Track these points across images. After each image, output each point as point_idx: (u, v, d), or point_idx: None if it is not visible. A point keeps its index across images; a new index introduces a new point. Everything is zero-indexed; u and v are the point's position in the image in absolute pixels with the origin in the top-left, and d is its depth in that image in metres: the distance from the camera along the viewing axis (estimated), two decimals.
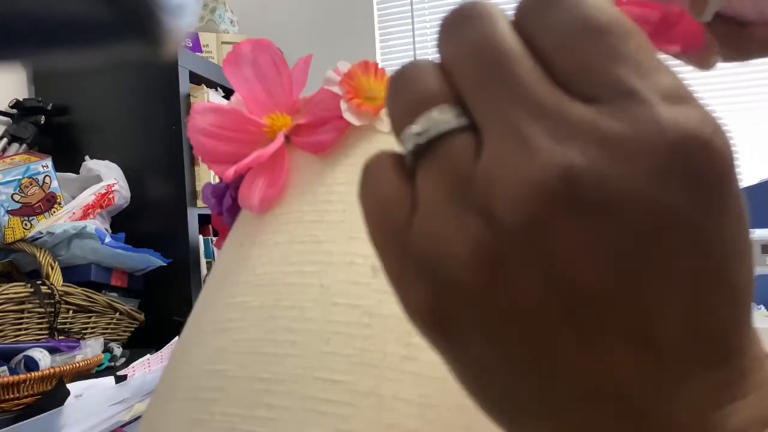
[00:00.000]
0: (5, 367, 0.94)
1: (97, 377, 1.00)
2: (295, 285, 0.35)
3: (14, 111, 1.41)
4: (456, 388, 0.30)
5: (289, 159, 0.40)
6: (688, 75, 0.19)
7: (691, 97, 0.15)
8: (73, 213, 1.24)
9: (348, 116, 0.38)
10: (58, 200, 1.24)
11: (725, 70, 1.86)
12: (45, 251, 1.17)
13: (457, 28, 0.17)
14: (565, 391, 0.15)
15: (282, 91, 0.42)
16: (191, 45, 1.64)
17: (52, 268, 1.15)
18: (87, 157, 1.39)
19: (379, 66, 0.38)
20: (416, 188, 0.17)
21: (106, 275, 1.28)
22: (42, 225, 1.20)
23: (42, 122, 1.40)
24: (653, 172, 0.14)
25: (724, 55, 0.35)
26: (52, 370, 0.93)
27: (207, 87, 1.50)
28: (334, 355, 0.32)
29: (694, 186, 0.14)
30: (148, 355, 1.12)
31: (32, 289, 1.09)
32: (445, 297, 0.16)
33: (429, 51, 2.10)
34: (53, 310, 1.11)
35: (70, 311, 1.15)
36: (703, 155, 0.14)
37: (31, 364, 0.96)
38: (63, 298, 1.12)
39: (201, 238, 1.47)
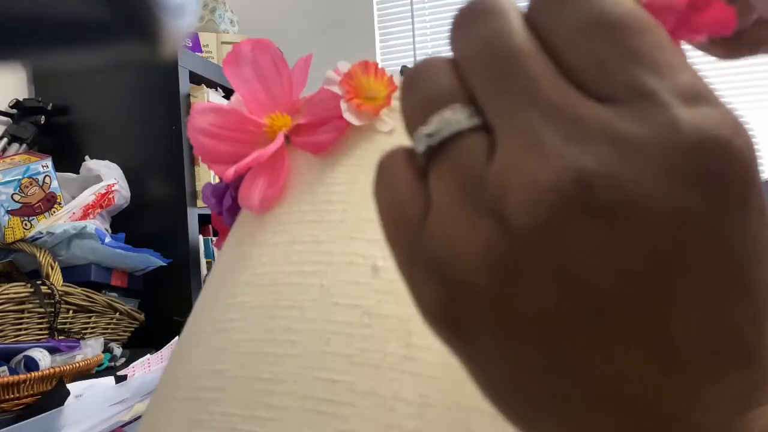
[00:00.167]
0: (5, 367, 0.94)
1: (97, 377, 1.00)
2: (295, 285, 0.35)
3: (14, 111, 1.41)
4: (456, 388, 0.30)
5: (289, 159, 0.40)
6: (710, 71, 0.19)
7: (711, 97, 0.15)
8: (73, 213, 1.24)
9: (348, 116, 0.38)
10: (58, 200, 1.24)
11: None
12: (45, 251, 1.17)
13: (469, 25, 0.17)
14: (580, 394, 0.15)
15: (282, 91, 0.42)
16: (191, 45, 1.64)
17: (52, 268, 1.15)
18: (87, 157, 1.39)
19: (379, 66, 0.38)
20: (429, 188, 0.16)
21: (106, 275, 1.28)
22: (42, 225, 1.20)
23: (42, 122, 1.40)
24: (669, 174, 0.14)
25: (714, 53, 0.35)
26: (52, 370, 0.93)
27: (207, 87, 1.50)
28: (334, 355, 0.32)
29: (712, 188, 0.14)
30: (148, 355, 1.12)
31: (32, 289, 1.09)
32: (457, 297, 0.16)
33: (429, 51, 2.10)
34: (53, 310, 1.11)
35: (70, 311, 1.15)
36: (722, 157, 0.14)
37: (31, 364, 0.96)
38: (63, 298, 1.12)
39: (201, 238, 1.47)
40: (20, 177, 1.22)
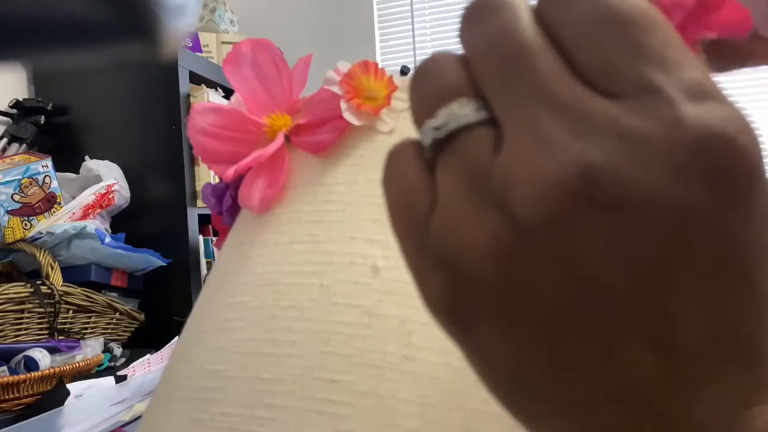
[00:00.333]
0: (5, 367, 0.94)
1: (97, 377, 1.00)
2: (295, 285, 0.35)
3: (14, 111, 1.41)
4: (456, 388, 0.30)
5: (289, 159, 0.40)
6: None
7: (717, 93, 0.15)
8: (73, 213, 1.24)
9: (348, 116, 0.38)
10: (58, 200, 1.24)
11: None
12: (45, 251, 1.17)
13: (478, 20, 0.17)
14: (583, 391, 0.15)
15: (282, 91, 0.42)
16: (191, 45, 1.64)
17: (52, 268, 1.15)
18: (87, 157, 1.39)
19: (379, 66, 0.38)
20: (436, 181, 0.17)
21: (106, 275, 1.28)
22: (42, 225, 1.20)
23: (42, 122, 1.40)
24: (675, 170, 0.14)
25: (707, 64, 0.35)
26: (52, 370, 0.93)
27: (207, 87, 1.50)
28: (334, 355, 0.32)
29: (717, 185, 0.14)
30: (148, 355, 1.12)
31: (32, 289, 1.09)
32: (463, 290, 0.16)
33: (429, 51, 2.10)
34: (53, 310, 1.11)
35: (70, 311, 1.15)
36: (727, 154, 0.14)
37: (31, 364, 0.96)
38: (63, 298, 1.12)
39: (201, 238, 1.47)
40: (20, 177, 1.22)
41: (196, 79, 1.48)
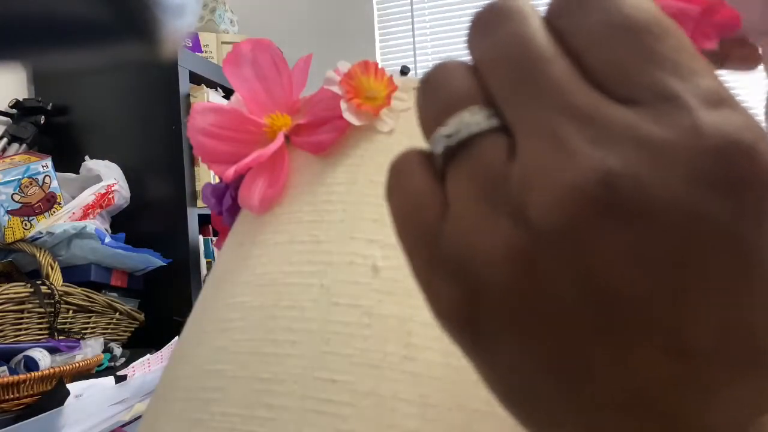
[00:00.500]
0: (5, 367, 0.94)
1: (97, 377, 1.00)
2: (295, 285, 0.35)
3: (14, 111, 1.41)
4: (456, 388, 0.30)
5: (289, 159, 0.40)
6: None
7: (732, 101, 0.15)
8: (73, 213, 1.24)
9: (348, 116, 0.38)
10: (58, 200, 1.24)
11: None
12: (45, 251, 1.17)
13: (487, 27, 0.17)
14: (596, 397, 0.15)
15: (282, 91, 0.42)
16: (191, 45, 1.64)
17: (52, 268, 1.15)
18: (87, 157, 1.39)
19: (379, 66, 0.38)
20: (447, 189, 0.16)
21: (106, 275, 1.28)
22: (42, 225, 1.20)
23: (42, 122, 1.40)
24: (694, 178, 0.14)
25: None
26: (52, 370, 0.93)
27: (207, 87, 1.50)
28: (334, 355, 0.32)
29: (735, 193, 0.14)
30: (148, 355, 1.12)
31: (32, 289, 1.09)
32: (477, 298, 0.16)
33: (429, 51, 2.10)
34: (53, 310, 1.11)
35: (70, 311, 1.15)
36: (746, 162, 0.14)
37: (31, 364, 0.96)
38: (63, 298, 1.12)
39: (201, 238, 1.47)
40: (20, 177, 1.22)
41: (196, 79, 1.48)
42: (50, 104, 1.42)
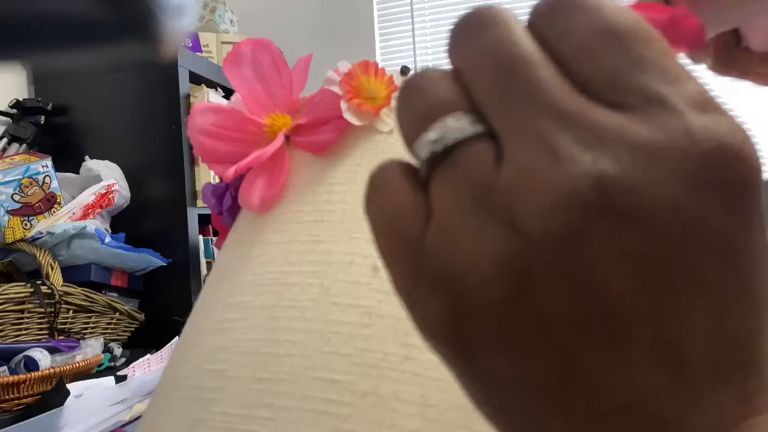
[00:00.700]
0: (5, 367, 0.94)
1: (97, 377, 1.00)
2: (296, 285, 0.35)
3: (14, 111, 1.41)
4: (456, 388, 0.30)
5: (289, 159, 0.40)
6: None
7: (718, 105, 0.15)
8: (73, 213, 1.24)
9: (348, 116, 0.38)
10: (58, 200, 1.24)
11: None
12: (45, 251, 1.17)
13: (470, 34, 0.16)
14: (585, 407, 0.15)
15: (282, 91, 0.42)
16: (191, 45, 1.64)
17: (52, 268, 1.15)
18: (87, 157, 1.39)
19: (379, 66, 0.38)
20: (431, 198, 0.16)
21: (106, 275, 1.28)
22: (42, 225, 1.20)
23: (42, 122, 1.40)
24: (687, 180, 0.14)
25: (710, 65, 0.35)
26: (52, 370, 0.93)
27: (207, 87, 1.50)
28: (334, 355, 0.32)
29: (726, 196, 0.14)
30: (148, 355, 1.12)
31: (32, 289, 1.09)
32: (465, 312, 0.15)
33: (429, 51, 2.10)
34: (53, 310, 1.11)
35: (70, 311, 1.15)
36: (735, 164, 0.14)
37: (31, 364, 0.96)
38: (63, 298, 1.12)
39: (201, 238, 1.47)
40: (20, 177, 1.22)
41: (196, 79, 1.48)
42: (50, 104, 1.42)
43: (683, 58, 0.30)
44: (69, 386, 0.91)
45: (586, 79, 0.15)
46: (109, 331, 1.25)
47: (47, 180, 1.24)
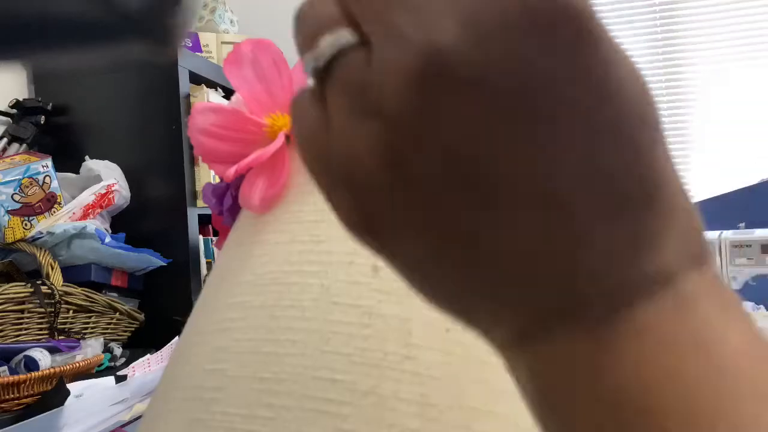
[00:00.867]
0: (5, 367, 0.94)
1: (97, 377, 1.00)
2: (296, 284, 0.35)
3: (14, 111, 1.41)
4: (456, 387, 0.30)
5: (290, 159, 0.40)
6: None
7: None
8: (73, 213, 1.24)
9: None
10: (58, 200, 1.24)
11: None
12: (45, 251, 1.17)
13: None
14: (489, 272, 0.16)
15: (282, 91, 0.42)
16: (191, 45, 1.64)
17: (52, 268, 1.15)
18: (87, 157, 1.38)
19: None
20: (327, 110, 0.17)
21: (106, 275, 1.28)
22: (42, 225, 1.20)
23: (42, 122, 1.40)
24: (508, 31, 0.15)
25: None
26: (52, 370, 0.93)
27: (207, 87, 1.50)
28: (334, 355, 0.32)
29: (545, 38, 0.15)
30: (148, 355, 1.12)
31: (32, 289, 1.08)
32: (363, 200, 0.17)
33: None
34: (53, 310, 1.11)
35: (70, 311, 1.15)
36: (550, 7, 0.15)
37: (31, 364, 0.96)
38: (63, 298, 1.12)
39: (201, 238, 1.47)
40: (20, 177, 1.22)
41: (196, 79, 1.48)
42: (50, 104, 1.42)
43: None
44: (69, 386, 0.91)
45: None
46: (109, 331, 1.25)
47: (47, 180, 1.24)
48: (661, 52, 1.93)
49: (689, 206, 0.17)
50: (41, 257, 1.15)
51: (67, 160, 1.37)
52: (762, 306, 1.34)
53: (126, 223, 1.36)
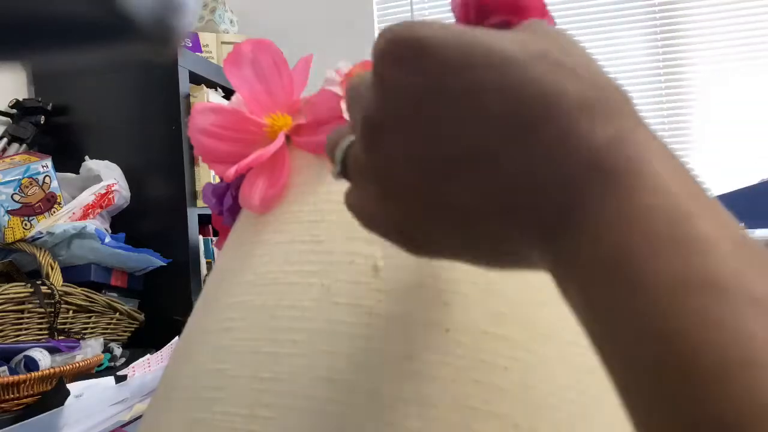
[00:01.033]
0: (5, 367, 0.94)
1: (97, 377, 1.00)
2: (296, 284, 0.35)
3: (14, 111, 1.41)
4: (456, 388, 0.30)
5: (290, 159, 0.40)
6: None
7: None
8: (73, 213, 1.24)
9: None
10: (58, 200, 1.24)
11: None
12: (45, 251, 1.17)
13: (349, 102, 0.28)
14: (453, 213, 0.23)
15: (282, 91, 0.42)
16: (191, 45, 1.64)
17: (52, 268, 1.15)
18: (87, 157, 1.38)
19: None
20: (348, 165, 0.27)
21: (106, 275, 1.28)
22: (42, 225, 1.20)
23: (42, 122, 1.40)
24: (381, 65, 0.23)
25: None
26: (52, 370, 0.93)
27: (207, 87, 1.50)
28: (334, 355, 0.32)
29: (405, 68, 0.23)
30: (148, 355, 1.12)
31: (32, 289, 1.08)
32: (385, 192, 0.25)
33: None
34: (53, 310, 1.11)
35: (70, 311, 1.15)
36: (399, 44, 0.23)
37: (31, 364, 0.96)
38: (63, 298, 1.12)
39: (201, 238, 1.47)
40: (20, 177, 1.22)
41: (196, 79, 1.48)
42: (50, 104, 1.42)
43: None
44: (69, 386, 0.91)
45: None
46: (109, 331, 1.25)
47: (47, 180, 1.24)
48: (661, 52, 1.93)
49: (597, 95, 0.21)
50: (41, 257, 1.15)
51: (67, 160, 1.37)
52: None
53: (126, 223, 1.36)
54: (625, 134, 0.20)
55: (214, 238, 1.42)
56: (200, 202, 1.43)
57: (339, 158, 0.27)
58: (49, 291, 1.11)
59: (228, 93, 1.57)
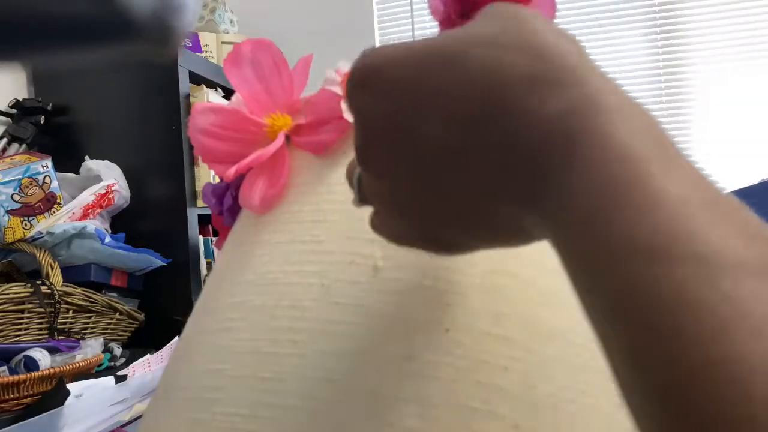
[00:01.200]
0: (5, 367, 0.94)
1: (97, 377, 1.00)
2: (296, 284, 0.35)
3: (14, 111, 1.41)
4: (456, 387, 0.30)
5: (290, 159, 0.40)
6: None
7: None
8: (73, 213, 1.24)
9: (348, 116, 0.38)
10: (57, 200, 1.24)
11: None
12: (45, 251, 1.17)
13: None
14: (447, 201, 0.24)
15: (282, 91, 0.42)
16: (191, 45, 1.64)
17: (52, 268, 1.15)
18: (87, 157, 1.38)
19: None
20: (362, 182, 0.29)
21: (106, 275, 1.28)
22: (42, 225, 1.20)
23: (42, 122, 1.40)
24: (351, 92, 0.25)
25: None
26: (52, 370, 0.92)
27: (207, 87, 1.50)
28: (334, 355, 0.32)
29: (366, 91, 0.24)
30: (148, 355, 1.12)
31: (32, 289, 1.08)
32: (390, 188, 0.26)
33: None
34: (53, 310, 1.11)
35: (70, 311, 1.15)
36: (362, 71, 0.24)
37: (31, 364, 0.96)
38: (63, 298, 1.12)
39: (201, 238, 1.47)
40: (20, 177, 1.22)
41: (196, 79, 1.48)
42: (50, 104, 1.42)
43: None
44: (69, 386, 0.91)
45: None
46: (109, 331, 1.25)
47: (47, 180, 1.24)
48: (661, 52, 1.93)
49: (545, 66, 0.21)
50: (41, 257, 1.15)
51: (67, 160, 1.37)
52: None
53: (126, 223, 1.36)
54: (579, 103, 0.20)
55: (214, 238, 1.42)
56: (200, 202, 1.43)
57: (355, 186, 0.29)
58: (49, 291, 1.11)
59: (228, 93, 1.57)
